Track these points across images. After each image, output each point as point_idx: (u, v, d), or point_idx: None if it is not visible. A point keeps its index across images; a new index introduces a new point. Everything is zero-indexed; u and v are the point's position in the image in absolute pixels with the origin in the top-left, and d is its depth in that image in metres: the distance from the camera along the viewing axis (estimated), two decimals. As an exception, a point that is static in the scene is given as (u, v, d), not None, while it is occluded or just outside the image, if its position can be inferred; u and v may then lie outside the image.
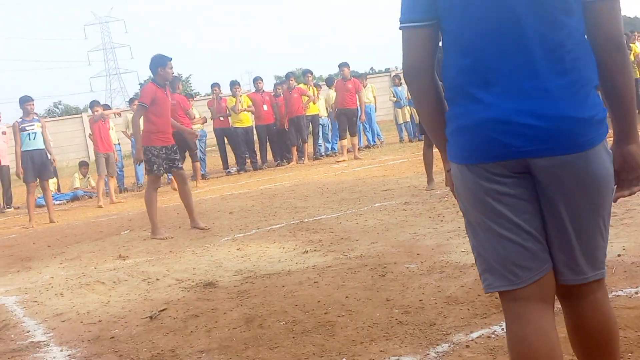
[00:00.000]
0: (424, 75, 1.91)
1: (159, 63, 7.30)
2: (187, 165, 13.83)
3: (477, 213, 1.85)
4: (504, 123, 1.73)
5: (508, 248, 1.81)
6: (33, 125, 10.09)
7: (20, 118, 10.18)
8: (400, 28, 1.91)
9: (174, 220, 8.12)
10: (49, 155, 10.41)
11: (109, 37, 78.86)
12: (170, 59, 7.38)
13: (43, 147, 10.26)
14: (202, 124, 14.38)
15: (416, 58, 1.90)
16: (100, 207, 11.34)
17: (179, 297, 4.55)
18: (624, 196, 1.88)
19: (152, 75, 7.58)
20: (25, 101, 10.20)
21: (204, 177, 14.27)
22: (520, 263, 1.81)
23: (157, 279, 5.18)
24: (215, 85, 14.77)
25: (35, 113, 10.56)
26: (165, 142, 7.34)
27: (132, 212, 9.77)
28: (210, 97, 15.18)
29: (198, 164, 13.41)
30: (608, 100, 1.81)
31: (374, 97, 16.61)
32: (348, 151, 13.97)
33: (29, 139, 10.02)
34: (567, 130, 1.71)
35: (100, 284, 5.26)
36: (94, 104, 12.83)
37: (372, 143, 16.24)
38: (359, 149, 14.63)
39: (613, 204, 1.86)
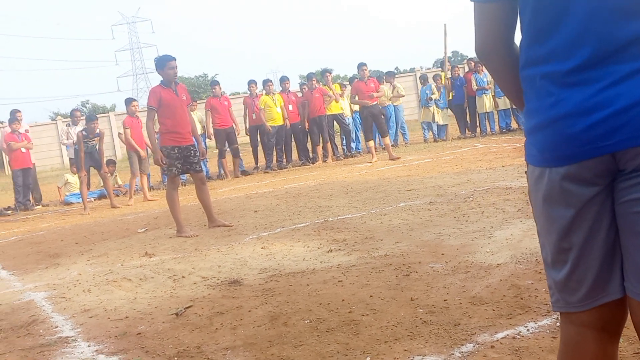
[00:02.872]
0: (497, 55, 1.75)
1: (159, 65, 7.40)
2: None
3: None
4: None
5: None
6: (93, 140, 11.61)
7: (85, 132, 11.59)
8: (471, 0, 1.73)
9: (200, 218, 8.17)
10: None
11: (136, 37, 79.43)
12: (171, 59, 7.37)
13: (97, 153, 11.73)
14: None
15: (488, 36, 1.72)
16: (129, 205, 11.53)
17: (204, 295, 4.59)
18: None
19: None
20: (90, 120, 11.83)
21: (244, 173, 14.48)
22: (577, 284, 1.63)
23: (183, 277, 5.22)
24: (252, 82, 14.97)
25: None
26: (178, 142, 7.35)
27: (159, 210, 9.85)
28: (247, 94, 15.30)
29: (237, 160, 14.39)
30: None
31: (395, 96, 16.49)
32: (376, 149, 13.89)
33: (88, 150, 11.53)
34: None
35: (127, 280, 5.33)
36: (131, 101, 13.14)
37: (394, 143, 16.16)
38: (381, 148, 14.61)
39: None
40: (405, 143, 16.59)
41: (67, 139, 13.79)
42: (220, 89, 14.50)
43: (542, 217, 1.67)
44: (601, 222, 1.57)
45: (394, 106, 16.20)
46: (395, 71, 34.36)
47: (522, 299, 3.60)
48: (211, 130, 14.27)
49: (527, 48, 1.62)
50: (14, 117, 13.32)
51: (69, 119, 16.98)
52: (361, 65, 13.60)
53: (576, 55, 1.51)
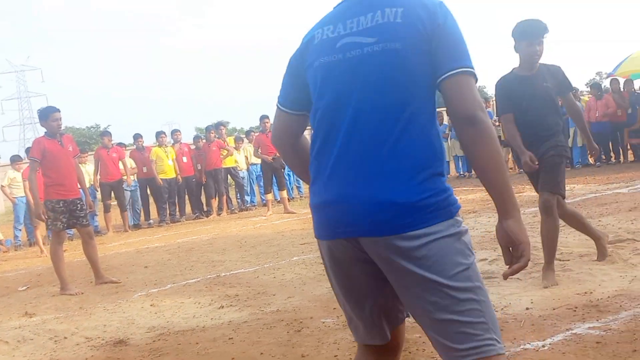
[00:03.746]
0: (286, 147, 2.23)
1: (42, 117, 7.17)
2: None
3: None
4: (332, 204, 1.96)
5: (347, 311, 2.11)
6: None
7: None
8: (276, 104, 2.20)
9: (86, 275, 7.84)
10: None
11: (25, 86, 76.88)
12: (55, 111, 7.13)
13: None
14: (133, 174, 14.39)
15: (281, 134, 2.21)
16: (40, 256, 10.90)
17: (87, 356, 4.38)
18: (513, 274, 1.87)
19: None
20: None
21: (137, 227, 14.14)
22: (355, 327, 2.12)
23: (65, 337, 4.97)
24: (138, 136, 14.65)
25: None
26: (63, 195, 7.08)
27: (42, 267, 9.39)
28: (133, 147, 14.92)
29: (125, 214, 13.95)
30: (476, 173, 1.87)
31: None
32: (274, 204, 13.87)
33: None
34: (378, 212, 1.83)
35: (3, 343, 5.01)
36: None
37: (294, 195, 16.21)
38: (276, 202, 14.59)
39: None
40: (300, 196, 16.67)
41: None
42: (111, 140, 14.09)
43: None
44: (358, 287, 2.01)
45: None
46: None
47: (410, 352, 3.65)
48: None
49: (312, 148, 2.05)
50: None
51: None
52: (263, 118, 13.56)
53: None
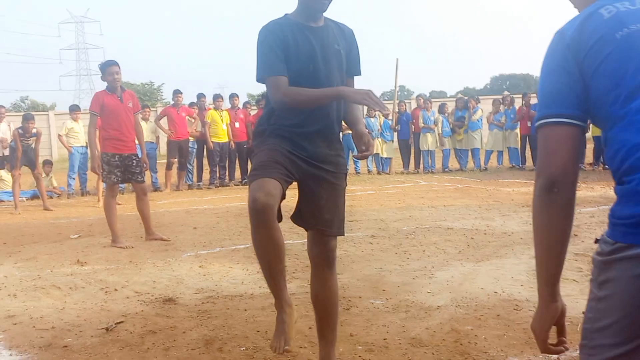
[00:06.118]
0: (574, 184, 1.58)
1: (102, 70, 7.25)
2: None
3: None
4: None
5: None
6: (29, 140, 11.57)
7: (21, 130, 11.54)
8: (542, 125, 1.60)
9: (137, 229, 7.96)
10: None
11: (83, 37, 77.93)
12: (112, 64, 7.18)
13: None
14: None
15: (569, 163, 1.56)
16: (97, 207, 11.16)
17: (137, 311, 4.44)
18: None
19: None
20: (26, 119, 11.78)
21: (190, 187, 14.42)
22: None
23: (116, 289, 5.05)
24: (201, 96, 14.94)
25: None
26: (119, 149, 7.18)
27: (94, 217, 9.57)
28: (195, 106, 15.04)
29: (183, 173, 14.36)
30: None
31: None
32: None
33: (23, 148, 11.43)
34: None
35: (55, 288, 5.12)
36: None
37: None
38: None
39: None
40: (357, 173, 16.54)
41: None
42: (182, 99, 14.26)
43: None
44: None
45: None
46: (344, 100, 34.49)
47: (461, 344, 3.59)
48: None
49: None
50: None
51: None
52: None
53: None
